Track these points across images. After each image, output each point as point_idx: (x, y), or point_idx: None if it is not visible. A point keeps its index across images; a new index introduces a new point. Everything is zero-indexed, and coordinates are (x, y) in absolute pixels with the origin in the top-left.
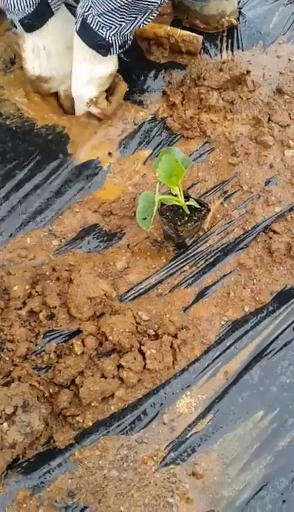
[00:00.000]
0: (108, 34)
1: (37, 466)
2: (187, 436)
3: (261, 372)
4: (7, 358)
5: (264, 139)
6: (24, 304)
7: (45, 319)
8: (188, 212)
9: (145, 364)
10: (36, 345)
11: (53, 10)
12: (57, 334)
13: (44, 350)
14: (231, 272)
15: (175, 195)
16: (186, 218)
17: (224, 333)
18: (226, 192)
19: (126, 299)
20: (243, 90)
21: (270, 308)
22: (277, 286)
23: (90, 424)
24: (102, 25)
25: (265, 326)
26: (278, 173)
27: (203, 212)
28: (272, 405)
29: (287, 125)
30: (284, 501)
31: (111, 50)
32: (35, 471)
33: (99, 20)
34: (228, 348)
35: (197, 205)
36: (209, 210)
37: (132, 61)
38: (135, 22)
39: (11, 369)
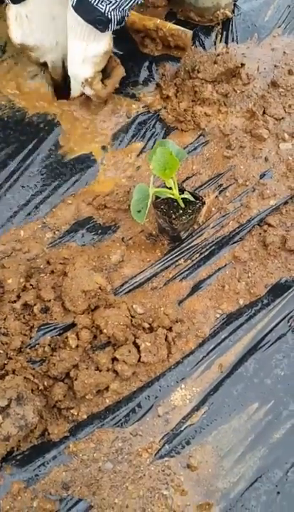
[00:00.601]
0: (107, 9)
1: (32, 458)
2: (182, 428)
3: (256, 365)
4: (1, 351)
5: (259, 132)
6: (18, 297)
7: (40, 312)
8: (183, 205)
9: (140, 357)
10: (30, 338)
11: None
12: (52, 327)
13: (38, 344)
14: (225, 265)
15: (170, 188)
16: (181, 211)
17: (218, 326)
18: (221, 185)
19: (121, 292)
20: (238, 83)
21: (265, 301)
22: (271, 279)
23: (85, 416)
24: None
25: (260, 319)
26: (273, 166)
27: (198, 206)
28: (266, 398)
29: (282, 118)
30: (278, 493)
31: (110, 25)
32: (30, 463)
33: None
34: (222, 340)
35: (192, 198)
36: (203, 203)
37: (125, 54)
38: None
39: (5, 362)
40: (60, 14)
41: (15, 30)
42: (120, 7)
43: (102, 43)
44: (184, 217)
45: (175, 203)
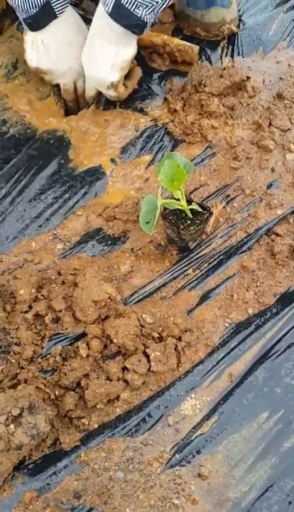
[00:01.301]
0: (144, 13)
1: (44, 467)
2: (192, 437)
3: (266, 374)
4: (13, 361)
5: (265, 143)
6: (30, 307)
7: (51, 322)
8: (191, 216)
9: (150, 366)
10: (42, 348)
11: (57, 13)
12: (63, 337)
13: (50, 353)
14: (234, 275)
15: (178, 200)
16: (189, 222)
17: (227, 335)
18: (228, 196)
19: (131, 302)
20: (244, 96)
21: (274, 310)
22: (280, 288)
23: (96, 426)
24: (139, 4)
25: (269, 328)
26: (279, 176)
27: (205, 216)
28: (276, 407)
29: (288, 129)
30: (290, 502)
31: (145, 29)
32: (42, 472)
33: (136, 0)
34: (232, 350)
35: (200, 209)
36: (211, 213)
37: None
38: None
39: (18, 371)
40: (76, 40)
41: (30, 54)
42: (155, 10)
43: (132, 47)
44: (192, 228)
45: (183, 214)
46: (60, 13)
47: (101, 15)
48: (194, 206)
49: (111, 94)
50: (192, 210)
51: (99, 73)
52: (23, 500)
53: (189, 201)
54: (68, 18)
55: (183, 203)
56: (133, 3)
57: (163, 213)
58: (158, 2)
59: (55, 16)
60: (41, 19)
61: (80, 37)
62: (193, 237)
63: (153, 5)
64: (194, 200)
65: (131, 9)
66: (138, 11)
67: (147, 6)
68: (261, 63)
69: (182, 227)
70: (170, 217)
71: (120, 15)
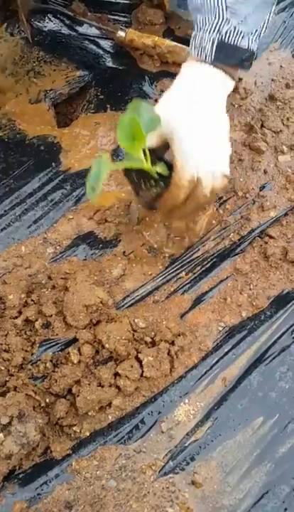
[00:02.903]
0: (250, 41)
1: (34, 477)
2: (186, 444)
3: (260, 378)
4: (2, 368)
5: (257, 144)
6: (20, 312)
7: (41, 328)
8: (156, 177)
9: (143, 372)
10: (32, 354)
11: None
12: (54, 343)
13: (40, 360)
14: (227, 278)
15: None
16: (152, 182)
17: (221, 339)
18: (220, 198)
19: (123, 306)
20: (236, 97)
21: (268, 313)
22: (274, 290)
23: (87, 433)
24: (244, 33)
25: (263, 331)
26: (272, 178)
27: (169, 179)
28: (271, 411)
29: (280, 131)
30: (286, 509)
31: (253, 58)
32: (32, 482)
33: (240, 30)
34: (226, 354)
35: (166, 172)
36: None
37: (125, 70)
38: (268, 17)
39: (7, 379)
40: None
41: None
42: (259, 35)
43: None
44: (154, 190)
45: (148, 173)
46: None
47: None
48: (160, 169)
49: (219, 184)
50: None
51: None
52: (13, 511)
53: (159, 159)
54: None
55: (146, 164)
56: (238, 34)
57: (126, 169)
58: (260, 24)
59: None
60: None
61: None
62: (156, 198)
63: (257, 29)
64: (164, 158)
65: (237, 43)
66: (244, 43)
67: (251, 32)
68: (253, 64)
69: (144, 187)
70: (133, 173)
71: (225, 56)
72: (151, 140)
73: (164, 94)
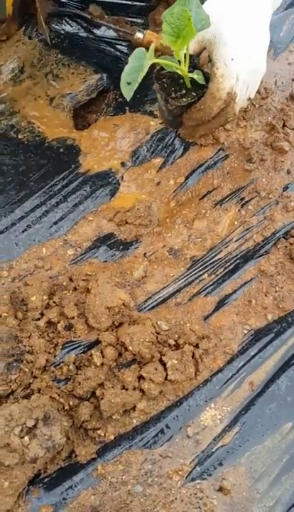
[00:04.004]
0: None
1: (59, 481)
2: (213, 449)
3: (288, 383)
4: (26, 370)
5: (280, 144)
6: (42, 314)
7: (64, 330)
8: (189, 85)
9: (167, 375)
10: (55, 356)
11: None
12: (76, 345)
13: (63, 362)
14: (251, 280)
15: (179, 62)
16: (183, 92)
17: (247, 342)
18: (242, 199)
19: (145, 308)
20: (256, 97)
21: None
22: None
23: (112, 437)
24: None
25: (291, 335)
26: None
27: (204, 90)
28: None
29: None
30: None
31: None
32: (57, 486)
33: None
34: (252, 357)
35: (202, 81)
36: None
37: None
38: None
39: (31, 381)
40: None
41: None
42: None
43: None
44: (184, 100)
45: (181, 81)
46: None
47: None
48: (196, 76)
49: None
50: (192, 79)
51: (262, 63)
52: None
53: (194, 67)
54: None
55: (183, 68)
56: None
57: (158, 72)
58: None
59: None
60: None
61: None
62: (182, 111)
63: None
64: (203, 69)
65: None
66: None
67: None
68: (273, 64)
69: (173, 95)
70: (164, 80)
71: None
72: (190, 46)
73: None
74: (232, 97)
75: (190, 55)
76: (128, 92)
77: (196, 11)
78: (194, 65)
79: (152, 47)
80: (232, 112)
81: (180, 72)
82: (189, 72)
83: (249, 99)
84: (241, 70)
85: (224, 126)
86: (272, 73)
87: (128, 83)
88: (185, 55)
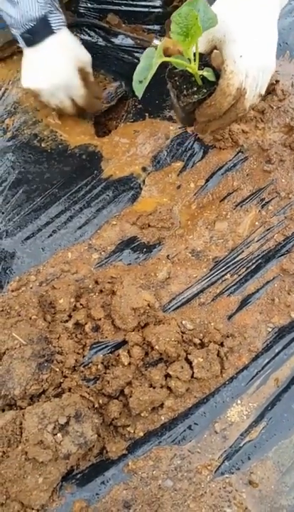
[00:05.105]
0: None
1: (92, 477)
2: (241, 444)
3: None
4: (57, 370)
5: None
6: (70, 316)
7: (91, 331)
8: (200, 82)
9: (193, 373)
10: (83, 356)
11: (54, 29)
12: (104, 345)
13: (91, 362)
14: (274, 279)
15: (188, 60)
16: (195, 89)
17: (271, 340)
18: (263, 199)
19: (169, 308)
20: (273, 99)
21: None
22: None
23: (141, 434)
24: None
25: None
26: None
27: (214, 87)
28: None
29: None
30: None
31: None
32: (90, 482)
33: None
34: (277, 355)
35: (212, 78)
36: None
37: (162, 78)
38: None
39: (61, 380)
40: (67, 61)
41: (23, 74)
42: None
43: None
44: (195, 96)
45: (193, 78)
46: (57, 29)
47: None
48: (206, 73)
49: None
50: (203, 77)
51: (272, 61)
52: (73, 510)
53: (205, 65)
54: (65, 36)
55: (193, 65)
56: None
57: (170, 71)
58: None
59: (51, 32)
60: (38, 34)
61: (69, 53)
62: (194, 108)
63: None
64: (213, 65)
65: None
66: None
67: None
68: (289, 66)
69: (185, 92)
70: (176, 78)
71: None
72: (200, 45)
73: None
74: (242, 92)
75: (201, 54)
76: (139, 90)
77: (203, 10)
78: (205, 63)
79: (160, 45)
80: (242, 108)
81: (190, 70)
82: (199, 69)
83: (260, 95)
84: (250, 66)
85: (235, 123)
86: (288, 75)
87: (140, 81)
88: (195, 53)
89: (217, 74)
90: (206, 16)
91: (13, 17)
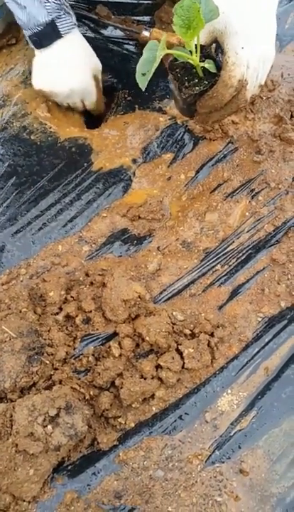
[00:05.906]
0: None
1: (83, 468)
2: (231, 433)
3: None
4: (47, 362)
5: (288, 135)
6: (60, 309)
7: (82, 323)
8: (201, 74)
9: (184, 363)
10: (74, 349)
11: (62, 33)
12: (94, 337)
13: (82, 354)
14: (264, 269)
15: (190, 52)
16: (196, 81)
17: (261, 329)
18: (253, 190)
19: (160, 300)
20: (263, 90)
21: None
22: None
23: (132, 425)
24: None
25: None
26: None
27: (216, 78)
28: None
29: None
30: None
31: None
32: (81, 473)
33: None
34: (266, 344)
35: (214, 70)
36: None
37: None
38: None
39: (52, 373)
40: (80, 63)
41: (35, 75)
42: None
43: None
44: (196, 88)
45: (194, 70)
46: (65, 33)
47: None
48: (207, 65)
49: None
50: (204, 69)
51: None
52: (64, 501)
53: (206, 57)
54: (74, 39)
55: (195, 57)
56: None
57: (171, 63)
58: None
59: (59, 36)
60: (46, 38)
61: (85, 60)
62: (196, 99)
63: None
64: (214, 57)
65: None
66: None
67: None
68: (279, 57)
69: (186, 84)
70: (177, 70)
71: None
72: (201, 36)
73: None
74: (243, 84)
75: (202, 46)
76: (143, 83)
77: (205, 2)
78: (206, 55)
79: (163, 38)
80: (244, 99)
81: (191, 61)
82: (201, 61)
83: (261, 85)
84: (251, 57)
85: (235, 113)
86: (278, 66)
87: (143, 74)
88: (196, 45)
89: (218, 65)
90: (207, 8)
91: (21, 19)
